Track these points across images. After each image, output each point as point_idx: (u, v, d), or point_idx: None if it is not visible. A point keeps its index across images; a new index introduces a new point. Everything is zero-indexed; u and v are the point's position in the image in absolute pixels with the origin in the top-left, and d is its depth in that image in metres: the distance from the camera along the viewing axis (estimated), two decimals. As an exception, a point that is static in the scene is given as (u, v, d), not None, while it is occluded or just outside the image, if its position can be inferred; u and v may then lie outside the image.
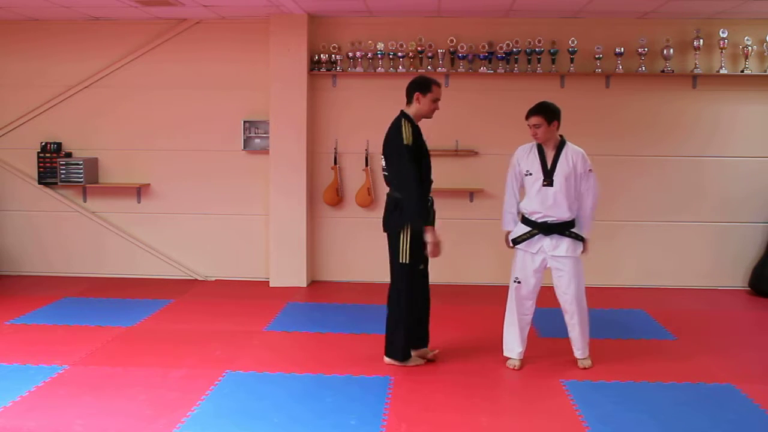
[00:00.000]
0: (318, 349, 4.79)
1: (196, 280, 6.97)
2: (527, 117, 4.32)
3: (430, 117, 4.39)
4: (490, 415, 3.74)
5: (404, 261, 4.30)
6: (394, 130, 4.27)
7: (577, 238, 4.36)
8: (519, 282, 4.43)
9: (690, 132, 6.60)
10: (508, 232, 4.49)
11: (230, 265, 6.96)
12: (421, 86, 4.32)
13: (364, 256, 6.71)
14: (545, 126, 4.26)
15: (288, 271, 6.69)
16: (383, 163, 4.37)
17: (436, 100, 4.35)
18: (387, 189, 4.45)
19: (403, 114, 4.34)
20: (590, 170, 4.34)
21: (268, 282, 6.78)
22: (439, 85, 4.37)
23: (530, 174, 4.35)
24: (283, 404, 3.86)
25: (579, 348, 4.46)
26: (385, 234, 4.42)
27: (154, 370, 4.36)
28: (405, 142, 4.20)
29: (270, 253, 6.73)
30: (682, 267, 6.72)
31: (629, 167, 6.64)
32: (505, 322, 4.55)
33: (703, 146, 6.61)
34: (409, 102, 4.37)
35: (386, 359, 4.48)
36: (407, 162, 4.19)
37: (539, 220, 4.34)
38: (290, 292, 6.50)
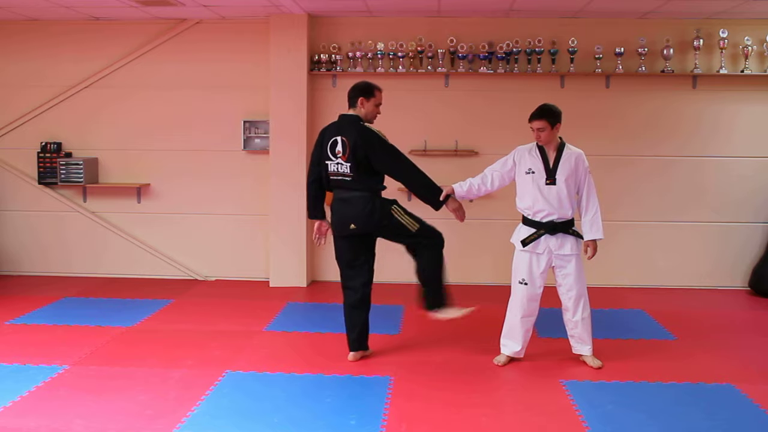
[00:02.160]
0: (318, 350, 4.79)
1: (196, 280, 6.97)
2: (531, 120, 4.34)
3: (371, 122, 4.48)
4: (490, 415, 3.74)
5: (417, 227, 4.42)
6: (370, 135, 4.34)
7: (578, 236, 4.39)
8: (526, 283, 4.43)
9: (690, 132, 6.60)
10: (452, 190, 4.49)
11: (230, 265, 6.96)
12: (364, 91, 4.43)
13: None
14: (549, 129, 4.31)
15: (288, 271, 6.69)
16: (339, 167, 4.36)
17: (378, 105, 4.48)
18: None
19: (359, 119, 4.41)
20: (589, 171, 4.41)
21: (268, 282, 6.78)
22: (381, 91, 4.49)
23: (533, 172, 4.37)
24: (283, 404, 3.86)
25: (587, 343, 4.47)
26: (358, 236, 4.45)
27: (154, 370, 4.36)
28: (388, 141, 4.40)
29: (270, 253, 6.73)
30: (682, 267, 6.72)
31: (629, 167, 6.64)
32: (506, 323, 4.55)
33: (703, 146, 6.61)
34: (352, 106, 4.46)
35: (441, 313, 4.47)
36: (402, 154, 4.41)
37: (545, 220, 4.35)
38: (290, 292, 6.50)
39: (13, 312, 5.63)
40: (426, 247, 4.45)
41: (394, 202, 4.47)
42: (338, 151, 4.35)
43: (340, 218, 4.44)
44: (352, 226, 4.38)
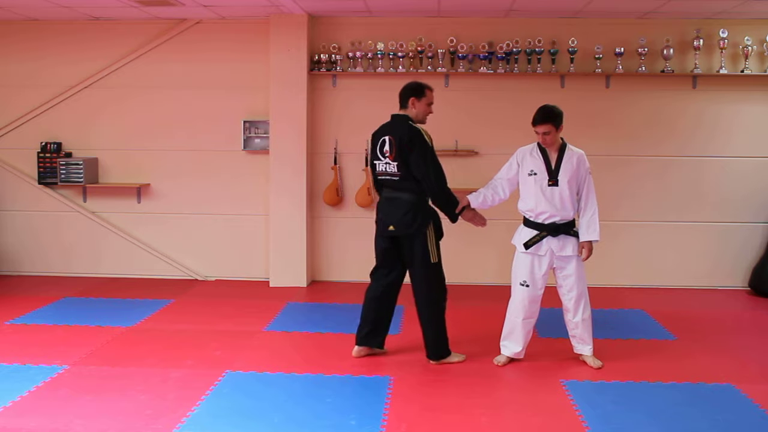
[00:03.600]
0: (318, 350, 4.79)
1: (196, 280, 6.97)
2: (536, 124, 4.31)
3: (423, 122, 4.48)
4: (490, 415, 3.74)
5: (436, 260, 4.42)
6: (414, 134, 4.32)
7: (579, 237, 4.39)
8: (527, 285, 4.42)
9: (690, 132, 6.60)
10: (467, 201, 4.50)
11: (230, 265, 6.96)
12: (416, 91, 4.43)
13: (364, 256, 6.63)
14: (554, 132, 4.31)
15: (288, 271, 6.69)
16: (387, 167, 4.38)
17: (430, 104, 4.48)
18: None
19: (408, 119, 4.41)
20: (589, 172, 4.39)
21: (268, 282, 6.78)
22: (432, 90, 4.49)
23: (535, 174, 4.36)
24: (283, 404, 3.86)
25: (588, 344, 4.47)
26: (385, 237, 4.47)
27: (154, 370, 4.36)
28: (431, 145, 4.37)
29: (270, 253, 6.73)
30: (682, 267, 6.72)
31: (629, 167, 6.64)
32: (506, 324, 4.54)
33: (703, 146, 6.61)
34: (403, 107, 4.46)
35: (436, 362, 4.50)
36: (439, 163, 4.37)
37: (547, 221, 4.35)
38: (290, 292, 6.50)
39: (13, 312, 5.63)
40: (428, 294, 4.44)
41: (434, 218, 4.44)
42: (386, 150, 4.37)
43: (382, 217, 4.47)
44: (391, 227, 4.39)
